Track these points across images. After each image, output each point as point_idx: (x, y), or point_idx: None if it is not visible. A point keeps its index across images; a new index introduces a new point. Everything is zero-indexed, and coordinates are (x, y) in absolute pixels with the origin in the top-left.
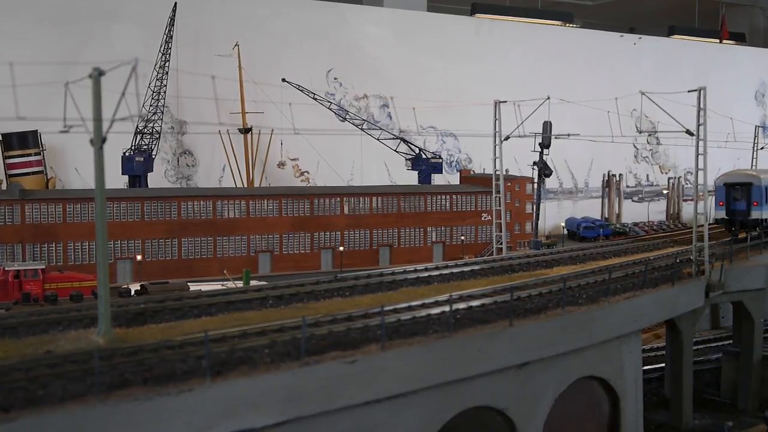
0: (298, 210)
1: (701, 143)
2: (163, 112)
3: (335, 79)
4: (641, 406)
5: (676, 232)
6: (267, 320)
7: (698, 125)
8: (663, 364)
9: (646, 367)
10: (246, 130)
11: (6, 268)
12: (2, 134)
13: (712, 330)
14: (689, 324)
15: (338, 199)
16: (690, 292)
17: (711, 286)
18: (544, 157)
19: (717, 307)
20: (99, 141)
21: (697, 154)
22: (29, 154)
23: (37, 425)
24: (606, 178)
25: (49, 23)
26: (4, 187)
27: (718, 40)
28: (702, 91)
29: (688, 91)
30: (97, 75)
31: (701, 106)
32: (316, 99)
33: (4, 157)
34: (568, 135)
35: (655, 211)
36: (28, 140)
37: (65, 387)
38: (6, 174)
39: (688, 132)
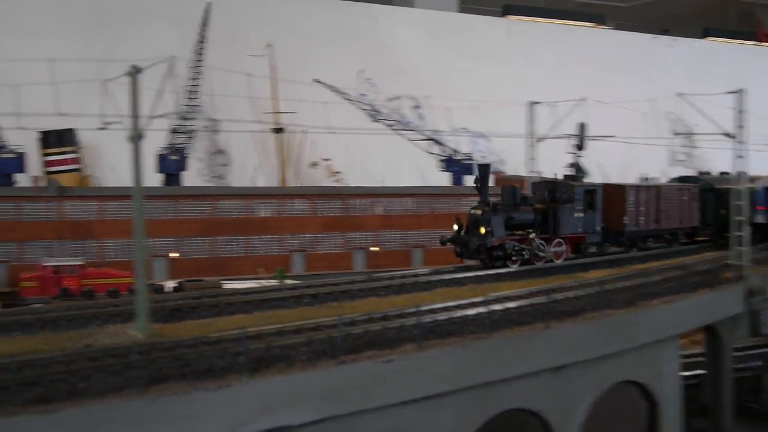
0: (330, 210)
1: (740, 146)
2: (197, 111)
3: (367, 79)
4: (680, 413)
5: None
6: (302, 318)
7: (738, 127)
8: (701, 371)
9: (683, 373)
10: (278, 130)
11: (45, 264)
12: (41, 132)
13: (753, 337)
14: (728, 330)
15: (371, 199)
16: (729, 298)
17: (751, 292)
18: (579, 159)
19: (758, 313)
20: (137, 137)
21: (737, 158)
22: (66, 152)
23: (79, 417)
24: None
25: (85, 21)
26: (43, 184)
27: (754, 42)
28: (742, 93)
29: (727, 93)
30: (135, 73)
31: (741, 108)
32: (348, 99)
33: (43, 155)
34: (604, 137)
35: None
36: (65, 138)
37: (105, 380)
38: (44, 171)
39: (728, 135)
